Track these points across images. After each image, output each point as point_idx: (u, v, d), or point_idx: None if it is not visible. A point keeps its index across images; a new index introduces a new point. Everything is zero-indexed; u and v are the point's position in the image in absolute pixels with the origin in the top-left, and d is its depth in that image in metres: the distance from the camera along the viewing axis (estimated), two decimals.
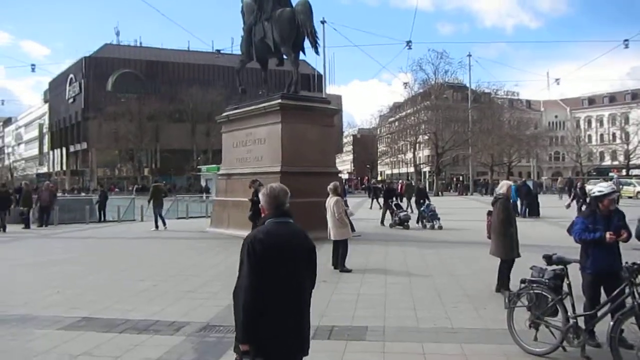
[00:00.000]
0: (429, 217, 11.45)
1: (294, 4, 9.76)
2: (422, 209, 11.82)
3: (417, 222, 11.72)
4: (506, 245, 4.80)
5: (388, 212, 12.05)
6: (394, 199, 12.51)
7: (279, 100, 9.27)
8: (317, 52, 9.58)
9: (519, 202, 14.25)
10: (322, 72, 33.24)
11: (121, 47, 48.14)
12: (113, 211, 16.56)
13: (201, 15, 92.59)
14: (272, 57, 10.44)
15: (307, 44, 9.79)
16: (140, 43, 49.65)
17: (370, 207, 17.85)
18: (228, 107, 10.96)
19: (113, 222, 15.56)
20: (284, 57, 10.08)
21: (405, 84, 34.87)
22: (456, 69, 35.03)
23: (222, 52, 32.70)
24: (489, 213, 5.11)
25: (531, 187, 15.71)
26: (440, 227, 11.16)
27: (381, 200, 14.27)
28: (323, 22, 25.56)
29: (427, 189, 19.30)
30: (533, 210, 14.47)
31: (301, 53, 10.08)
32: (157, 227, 11.75)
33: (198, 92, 41.72)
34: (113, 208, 16.68)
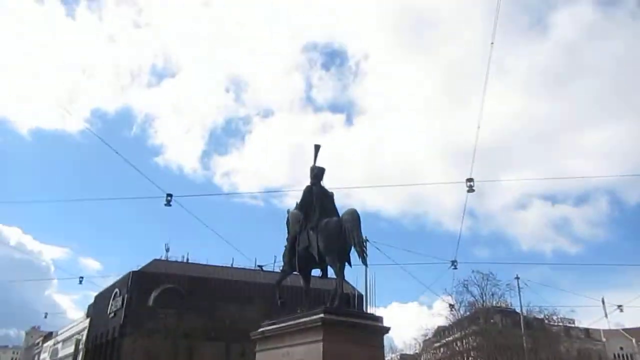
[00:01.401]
0: None
1: (341, 214, 9.39)
2: None
3: None
4: None
5: None
6: None
7: (321, 315, 8.17)
8: (364, 263, 8.82)
9: None
10: (362, 292, 32.35)
11: (168, 262, 49.41)
12: None
13: (245, 233, 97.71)
14: (316, 268, 9.85)
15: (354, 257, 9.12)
16: (187, 259, 50.92)
17: None
18: (264, 322, 9.86)
19: None
20: (328, 268, 9.45)
21: (452, 306, 33.09)
22: (504, 291, 33.56)
23: (264, 267, 32.57)
24: None
25: None
26: None
27: None
28: (366, 240, 25.54)
29: None
30: None
31: (347, 265, 9.28)
32: None
33: (236, 309, 40.59)
34: None
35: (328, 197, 9.96)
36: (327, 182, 10.28)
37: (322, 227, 9.21)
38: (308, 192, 9.98)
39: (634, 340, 53.24)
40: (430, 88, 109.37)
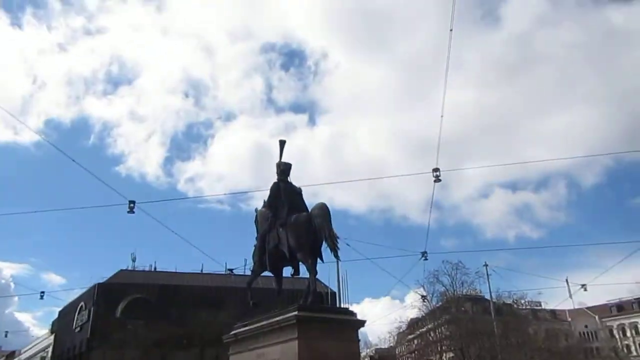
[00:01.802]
0: None
1: (310, 209, 9.25)
2: None
3: None
4: None
5: None
6: None
7: (295, 313, 8.03)
8: (336, 257, 8.71)
9: None
10: (335, 290, 32.43)
11: (135, 272, 48.29)
12: None
13: (214, 238, 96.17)
14: (287, 265, 9.67)
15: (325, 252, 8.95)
16: (155, 267, 49.91)
17: None
18: (237, 324, 9.64)
19: None
20: (300, 265, 9.29)
21: (424, 297, 33.47)
22: (473, 279, 34.21)
23: (234, 271, 32.16)
24: None
25: None
26: None
27: None
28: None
29: None
30: None
31: (319, 260, 9.18)
32: None
33: (208, 314, 40.03)
34: None
35: (296, 193, 9.79)
36: (293, 181, 10.08)
37: (292, 223, 9.05)
38: (275, 188, 9.79)
39: (596, 317, 55.29)
40: (389, 83, 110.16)
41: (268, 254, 9.56)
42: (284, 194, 9.64)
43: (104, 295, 44.54)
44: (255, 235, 10.29)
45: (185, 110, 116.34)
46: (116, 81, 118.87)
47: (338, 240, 8.72)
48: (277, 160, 10.17)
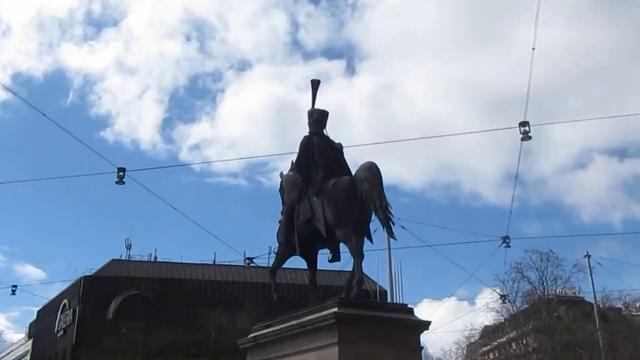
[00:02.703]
0: None
1: (354, 172, 8.98)
2: None
3: None
4: None
5: None
6: None
7: (335, 309, 7.81)
8: (390, 235, 8.44)
9: None
10: (385, 288, 32.29)
11: (131, 262, 49.76)
12: None
13: (228, 220, 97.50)
14: (323, 247, 9.55)
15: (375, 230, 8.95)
16: (155, 257, 51.25)
17: None
18: (256, 326, 9.68)
19: None
20: (340, 246, 9.20)
21: (503, 297, 32.96)
22: (570, 274, 33.56)
23: (254, 261, 32.29)
24: None
25: None
26: None
27: None
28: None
29: None
30: None
31: (366, 241, 8.97)
32: None
33: (222, 316, 40.88)
34: None
35: (335, 149, 9.59)
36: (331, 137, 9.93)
37: (330, 191, 8.81)
38: (307, 144, 9.60)
39: None
40: (450, 22, 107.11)
41: (297, 233, 9.40)
42: (319, 151, 9.43)
43: (92, 291, 46.07)
44: (281, 208, 10.22)
45: (188, 58, 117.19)
46: (98, 23, 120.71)
47: (392, 213, 8.43)
48: (309, 108, 10.01)
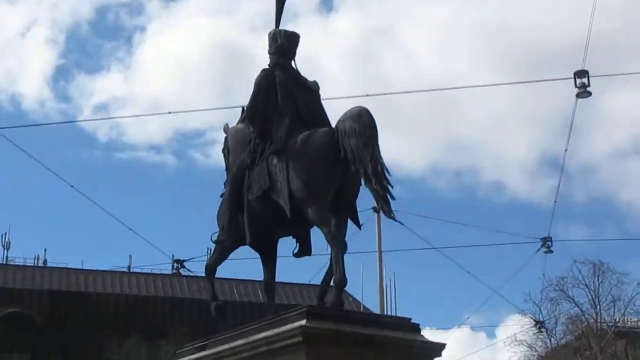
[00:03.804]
0: None
1: (335, 122, 8.76)
2: None
3: None
4: None
5: None
6: None
7: (302, 322, 7.48)
8: (389, 214, 8.20)
9: None
10: (372, 308, 32.09)
11: (9, 268, 48.93)
12: None
13: (148, 209, 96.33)
14: (287, 234, 9.40)
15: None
16: (45, 261, 50.57)
17: None
18: (184, 348, 9.61)
19: None
20: (311, 232, 9.09)
21: (539, 324, 33.11)
22: (634, 295, 33.90)
23: (186, 265, 31.86)
24: None
25: None
26: None
27: None
28: (378, 209, 25.18)
29: None
30: None
31: (351, 224, 8.85)
32: None
33: (140, 346, 40.81)
34: None
35: (308, 90, 9.37)
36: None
37: (299, 149, 8.50)
38: (265, 81, 9.31)
39: None
40: None
41: (248, 211, 9.07)
42: (283, 92, 9.12)
43: None
44: (225, 177, 10.02)
45: None
46: None
47: (391, 183, 8.20)
48: (271, 30, 9.81)
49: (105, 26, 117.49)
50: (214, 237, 9.87)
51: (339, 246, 8.12)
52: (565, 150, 21.48)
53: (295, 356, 7.43)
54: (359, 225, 8.96)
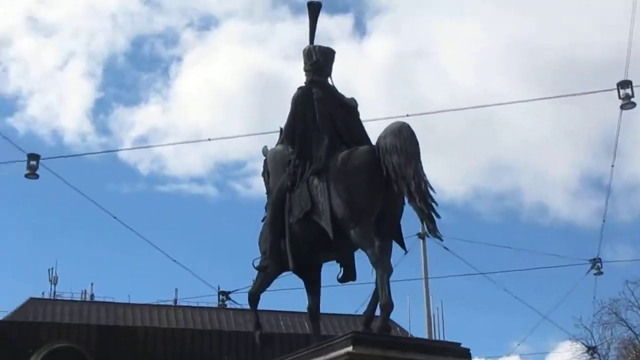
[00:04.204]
0: None
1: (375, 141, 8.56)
2: None
3: None
4: None
5: None
6: None
7: (349, 349, 7.22)
8: (434, 233, 8.02)
9: None
10: (421, 336, 31.56)
11: (57, 302, 49.10)
12: None
13: (191, 241, 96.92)
14: (330, 258, 9.23)
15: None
16: (92, 295, 50.65)
17: None
18: None
19: None
20: (354, 255, 8.93)
21: (592, 349, 32.43)
22: None
23: (231, 297, 31.95)
24: None
25: None
26: None
27: None
28: (423, 235, 25.01)
29: None
30: None
31: (397, 246, 8.64)
32: None
33: None
34: None
35: (346, 107, 9.17)
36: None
37: (339, 169, 8.27)
38: (303, 100, 9.18)
39: None
40: None
41: (290, 236, 8.88)
42: (322, 110, 8.94)
43: (3, 343, 45.42)
44: (266, 202, 9.85)
45: (129, 12, 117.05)
46: None
47: (436, 201, 7.98)
48: (306, 46, 9.71)
49: (142, 57, 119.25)
50: (256, 263, 9.74)
51: (384, 268, 7.89)
52: (612, 166, 20.96)
53: None
54: (404, 247, 8.78)
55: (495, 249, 33.20)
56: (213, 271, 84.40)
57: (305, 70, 9.54)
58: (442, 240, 8.40)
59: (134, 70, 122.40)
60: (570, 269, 23.92)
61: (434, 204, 7.87)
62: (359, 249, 8.41)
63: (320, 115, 8.94)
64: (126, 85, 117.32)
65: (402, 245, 8.65)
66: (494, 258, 70.43)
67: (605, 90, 14.59)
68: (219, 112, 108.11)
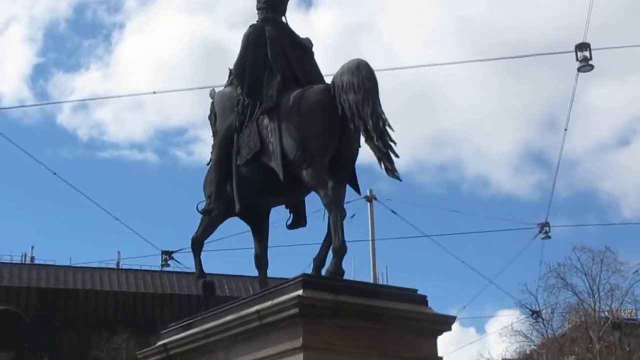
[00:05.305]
0: None
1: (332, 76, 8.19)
2: None
3: None
4: None
5: None
6: None
7: (298, 293, 6.88)
8: (393, 174, 7.68)
9: None
10: None
11: None
12: None
13: (133, 205, 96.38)
14: (279, 202, 8.96)
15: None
16: (32, 258, 50.08)
17: None
18: (169, 329, 9.26)
19: None
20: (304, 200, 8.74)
21: (536, 314, 32.75)
22: (632, 283, 33.70)
23: (174, 257, 31.36)
24: None
25: None
26: None
27: None
28: (370, 198, 25.06)
29: None
30: None
31: (349, 188, 8.39)
32: None
33: (130, 343, 40.58)
34: None
35: (300, 46, 8.85)
36: None
37: (292, 107, 7.98)
38: (254, 38, 8.80)
39: None
40: None
41: (237, 178, 8.56)
42: (274, 48, 8.58)
43: None
44: (212, 143, 9.49)
45: None
46: None
47: (394, 140, 7.66)
48: None
49: (84, 24, 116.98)
50: (201, 207, 9.34)
51: (337, 211, 7.64)
52: (565, 129, 20.94)
53: (291, 330, 6.96)
54: (358, 191, 8.60)
55: (441, 213, 33.37)
56: (156, 233, 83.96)
57: (258, 8, 9.19)
58: (399, 180, 8.08)
59: (76, 37, 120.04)
60: (517, 234, 23.93)
61: (392, 143, 7.59)
62: (312, 190, 8.10)
63: (272, 54, 8.61)
64: (67, 51, 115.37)
65: (357, 188, 8.44)
66: (440, 223, 71.40)
67: (564, 52, 14.33)
68: (161, 79, 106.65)
